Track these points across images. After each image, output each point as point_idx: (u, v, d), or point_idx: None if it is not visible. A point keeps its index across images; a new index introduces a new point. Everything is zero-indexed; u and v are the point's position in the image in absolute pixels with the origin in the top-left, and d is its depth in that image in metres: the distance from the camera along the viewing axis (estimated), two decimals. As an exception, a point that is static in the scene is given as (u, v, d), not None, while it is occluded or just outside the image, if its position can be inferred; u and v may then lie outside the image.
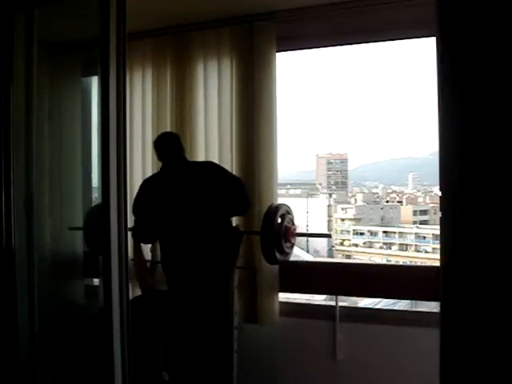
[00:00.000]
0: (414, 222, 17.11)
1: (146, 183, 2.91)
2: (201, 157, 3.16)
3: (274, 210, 2.81)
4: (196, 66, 3.19)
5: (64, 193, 2.48)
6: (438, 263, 1.26)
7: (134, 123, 3.31)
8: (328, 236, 3.07)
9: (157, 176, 2.93)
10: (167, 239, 2.81)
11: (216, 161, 3.11)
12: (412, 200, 18.65)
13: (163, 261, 2.84)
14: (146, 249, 3.22)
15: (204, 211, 2.71)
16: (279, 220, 2.79)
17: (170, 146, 2.88)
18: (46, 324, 2.26)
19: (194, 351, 2.61)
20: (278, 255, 2.77)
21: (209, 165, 2.90)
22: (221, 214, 2.73)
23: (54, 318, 2.35)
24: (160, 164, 2.95)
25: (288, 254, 2.89)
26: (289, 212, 2.90)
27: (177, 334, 2.60)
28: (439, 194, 1.21)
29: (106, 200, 1.72)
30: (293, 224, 2.88)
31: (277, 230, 2.76)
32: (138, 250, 2.90)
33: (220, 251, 2.70)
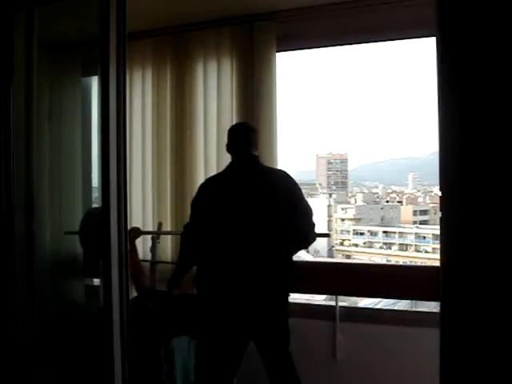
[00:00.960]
0: (414, 222, 17.12)
1: (208, 184, 2.57)
2: (200, 156, 3.16)
3: None
4: (196, 66, 3.19)
5: (64, 193, 2.48)
6: (438, 263, 1.26)
7: (133, 123, 3.31)
8: (327, 236, 2.96)
9: (220, 177, 2.58)
10: (216, 254, 2.42)
11: (214, 161, 3.11)
12: (412, 200, 18.65)
13: (206, 275, 2.46)
14: (146, 248, 3.23)
15: (267, 232, 2.38)
16: None
17: (240, 140, 2.55)
18: (46, 324, 2.26)
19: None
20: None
21: (283, 177, 2.53)
22: (283, 239, 2.42)
23: (54, 317, 2.35)
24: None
25: None
26: None
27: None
28: (439, 193, 1.21)
29: (106, 200, 1.72)
30: None
31: None
32: (132, 250, 2.89)
33: (278, 279, 2.40)
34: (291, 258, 2.48)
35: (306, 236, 2.53)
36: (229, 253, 2.38)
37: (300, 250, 2.64)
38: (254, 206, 2.39)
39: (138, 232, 3.13)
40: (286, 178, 2.51)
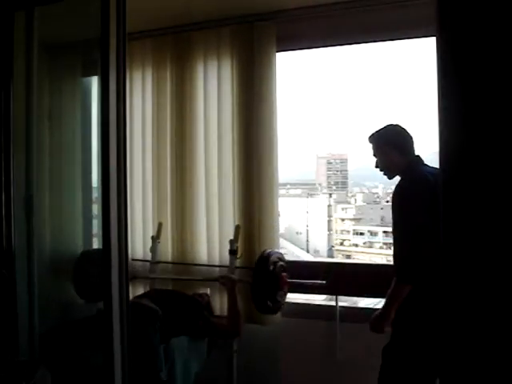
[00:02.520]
0: (414, 222, 17.02)
1: (422, 190, 2.29)
2: (200, 156, 3.15)
3: (265, 257, 2.71)
4: (196, 66, 3.19)
5: (64, 193, 2.48)
6: (437, 263, 1.26)
7: (133, 123, 3.31)
8: (322, 281, 2.70)
9: (428, 182, 2.30)
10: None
11: (216, 161, 3.11)
12: (412, 200, 18.55)
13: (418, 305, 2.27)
14: (146, 248, 3.23)
15: None
16: (271, 267, 2.70)
17: (413, 141, 2.43)
18: (45, 324, 2.26)
19: None
20: (270, 305, 2.71)
21: None
22: None
23: (54, 317, 2.35)
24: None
25: (280, 303, 2.79)
26: (281, 259, 2.80)
27: None
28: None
29: (106, 201, 1.72)
30: (284, 271, 2.76)
31: (269, 279, 2.67)
32: None
33: None
34: None
35: None
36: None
37: None
38: None
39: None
40: None
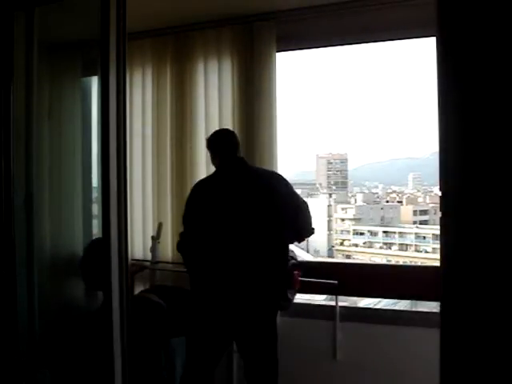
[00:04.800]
0: (414, 222, 17.06)
1: (198, 187, 2.59)
2: (201, 156, 3.16)
3: None
4: (196, 66, 3.19)
5: (64, 192, 2.48)
6: (438, 263, 1.26)
7: (134, 123, 3.31)
8: (333, 284, 2.74)
9: (211, 180, 2.61)
10: (212, 255, 2.44)
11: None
12: (412, 200, 18.61)
13: (199, 276, 2.50)
14: (146, 248, 3.23)
15: (262, 230, 2.43)
16: None
17: (225, 144, 2.58)
18: (45, 323, 2.26)
19: None
20: (281, 302, 2.64)
21: (274, 176, 2.61)
22: (279, 237, 2.48)
23: (54, 317, 2.35)
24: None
25: (291, 301, 2.73)
26: (293, 257, 2.77)
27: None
28: (439, 193, 1.21)
29: (106, 200, 1.72)
30: (298, 267, 2.73)
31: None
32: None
33: (273, 282, 2.45)
34: (285, 258, 2.52)
35: (302, 229, 2.60)
36: (222, 254, 2.41)
37: (297, 241, 2.74)
38: (247, 207, 2.43)
39: (138, 267, 3.07)
40: (276, 178, 2.58)
